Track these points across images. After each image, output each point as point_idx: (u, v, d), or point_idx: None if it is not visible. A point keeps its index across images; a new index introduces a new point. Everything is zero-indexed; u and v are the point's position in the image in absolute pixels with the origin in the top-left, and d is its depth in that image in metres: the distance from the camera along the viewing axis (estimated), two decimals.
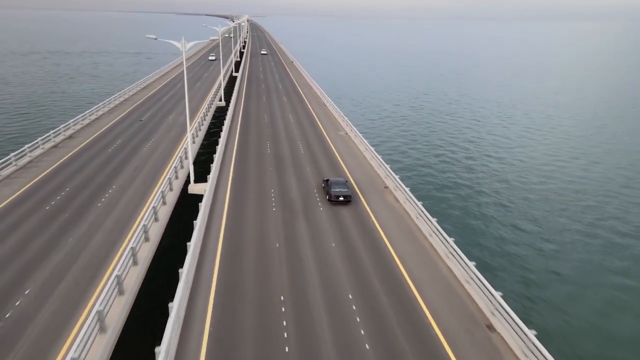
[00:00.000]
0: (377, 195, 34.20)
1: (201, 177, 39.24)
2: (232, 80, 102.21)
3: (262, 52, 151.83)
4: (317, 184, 35.90)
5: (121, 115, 57.16)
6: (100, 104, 59.39)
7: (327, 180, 33.43)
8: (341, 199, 31.42)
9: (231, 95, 70.08)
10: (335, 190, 31.73)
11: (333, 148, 46.44)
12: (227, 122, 51.73)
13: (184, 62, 36.40)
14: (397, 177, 33.98)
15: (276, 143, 47.56)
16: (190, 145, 37.86)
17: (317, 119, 59.90)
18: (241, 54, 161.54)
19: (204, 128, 53.14)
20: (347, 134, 52.05)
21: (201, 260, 24.13)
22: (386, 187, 35.75)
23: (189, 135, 36.98)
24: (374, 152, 40.96)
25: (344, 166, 40.80)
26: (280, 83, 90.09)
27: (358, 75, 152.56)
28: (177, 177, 34.87)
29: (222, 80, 79.01)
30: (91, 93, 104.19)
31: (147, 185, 34.00)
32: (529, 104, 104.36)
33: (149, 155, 41.19)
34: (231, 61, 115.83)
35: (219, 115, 67.41)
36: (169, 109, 61.56)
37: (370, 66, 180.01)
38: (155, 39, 36.78)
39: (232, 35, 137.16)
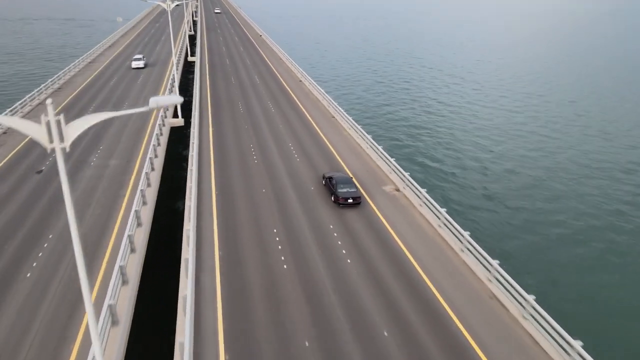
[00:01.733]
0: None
1: None
2: (187, 70, 77.87)
3: (216, 11, 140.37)
4: None
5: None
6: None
7: (330, 177, 29.99)
8: (350, 201, 28.32)
9: (191, 108, 46.66)
10: (343, 191, 28.57)
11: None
12: (191, 185, 29.37)
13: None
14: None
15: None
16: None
17: (342, 162, 38.54)
18: (194, 22, 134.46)
19: (154, 182, 30.83)
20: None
21: None
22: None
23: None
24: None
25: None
26: (257, 75, 66.79)
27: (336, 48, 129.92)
28: None
29: (175, 73, 55.26)
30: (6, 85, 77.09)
31: None
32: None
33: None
34: (182, 40, 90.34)
35: (175, 152, 44.52)
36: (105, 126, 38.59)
37: (345, 34, 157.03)
38: None
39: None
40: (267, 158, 35.97)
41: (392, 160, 33.03)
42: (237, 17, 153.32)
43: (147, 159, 30.95)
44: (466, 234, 23.40)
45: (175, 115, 46.69)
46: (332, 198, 29.09)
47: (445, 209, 26.07)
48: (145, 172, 28.71)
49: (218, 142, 38.92)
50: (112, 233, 24.50)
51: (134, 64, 65.42)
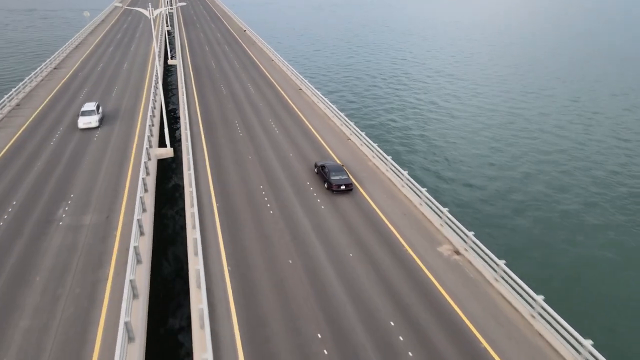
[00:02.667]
0: None
1: None
2: (167, 76, 69.26)
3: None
4: None
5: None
6: None
7: (323, 166, 31.59)
8: (343, 187, 30.02)
9: (175, 132, 38.82)
10: (336, 178, 30.22)
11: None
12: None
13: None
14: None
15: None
16: None
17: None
18: (170, 16, 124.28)
19: (146, 256, 23.28)
20: None
21: None
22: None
23: None
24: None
25: None
26: (251, 82, 58.80)
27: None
28: None
29: (157, 82, 46.94)
30: None
31: None
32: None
33: None
34: (159, 42, 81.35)
35: (166, 194, 36.74)
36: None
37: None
38: None
39: None
40: (285, 208, 28.54)
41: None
42: (214, 8, 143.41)
43: (135, 220, 23.22)
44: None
45: (162, 144, 38.74)
46: (326, 185, 30.59)
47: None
48: (133, 247, 21.07)
49: (219, 184, 31.33)
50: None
51: (82, 123, 38.98)
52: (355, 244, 25.00)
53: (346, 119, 41.60)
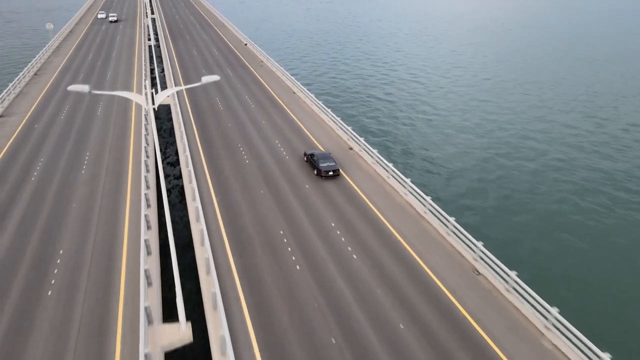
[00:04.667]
0: None
1: None
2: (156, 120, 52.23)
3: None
4: None
5: None
6: None
7: (312, 154, 33.77)
8: (330, 173, 32.32)
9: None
10: (324, 165, 32.62)
11: None
12: None
13: None
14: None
15: None
16: None
17: None
18: (152, 22, 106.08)
19: None
20: None
21: None
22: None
23: None
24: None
25: None
26: (281, 139, 42.10)
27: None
28: None
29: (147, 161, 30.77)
30: None
31: None
32: None
33: None
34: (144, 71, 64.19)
35: None
36: None
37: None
38: None
39: None
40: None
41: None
42: (200, 9, 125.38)
43: None
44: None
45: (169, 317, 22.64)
46: (315, 172, 33.19)
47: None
48: None
49: None
50: None
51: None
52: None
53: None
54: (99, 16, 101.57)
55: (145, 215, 25.56)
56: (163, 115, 58.99)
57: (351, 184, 32.36)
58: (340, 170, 34.06)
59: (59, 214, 27.87)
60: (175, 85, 54.75)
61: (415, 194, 29.36)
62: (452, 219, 25.64)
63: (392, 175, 32.58)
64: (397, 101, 69.29)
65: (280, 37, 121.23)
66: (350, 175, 33.80)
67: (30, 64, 59.49)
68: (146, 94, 48.72)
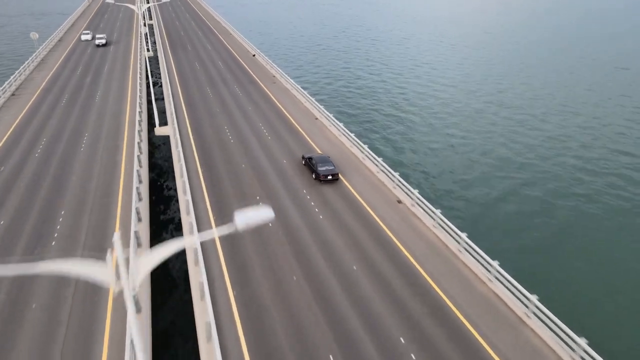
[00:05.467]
0: None
1: None
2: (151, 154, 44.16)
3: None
4: None
5: None
6: None
7: (310, 157, 32.84)
8: (329, 177, 31.52)
9: None
10: (322, 169, 31.64)
11: None
12: None
13: None
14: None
15: None
16: None
17: None
18: (149, 28, 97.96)
19: None
20: None
21: None
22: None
23: None
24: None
25: None
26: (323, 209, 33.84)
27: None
28: None
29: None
30: None
31: None
32: None
33: None
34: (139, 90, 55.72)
35: None
36: None
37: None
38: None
39: None
40: None
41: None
42: (202, 13, 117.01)
43: None
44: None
45: None
46: (313, 176, 32.13)
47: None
48: None
49: None
50: None
51: None
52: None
53: None
54: (83, 37, 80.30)
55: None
56: (161, 146, 50.45)
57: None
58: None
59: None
60: (176, 114, 46.15)
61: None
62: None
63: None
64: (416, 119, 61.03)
65: (288, 45, 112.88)
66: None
67: (7, 82, 50.97)
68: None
